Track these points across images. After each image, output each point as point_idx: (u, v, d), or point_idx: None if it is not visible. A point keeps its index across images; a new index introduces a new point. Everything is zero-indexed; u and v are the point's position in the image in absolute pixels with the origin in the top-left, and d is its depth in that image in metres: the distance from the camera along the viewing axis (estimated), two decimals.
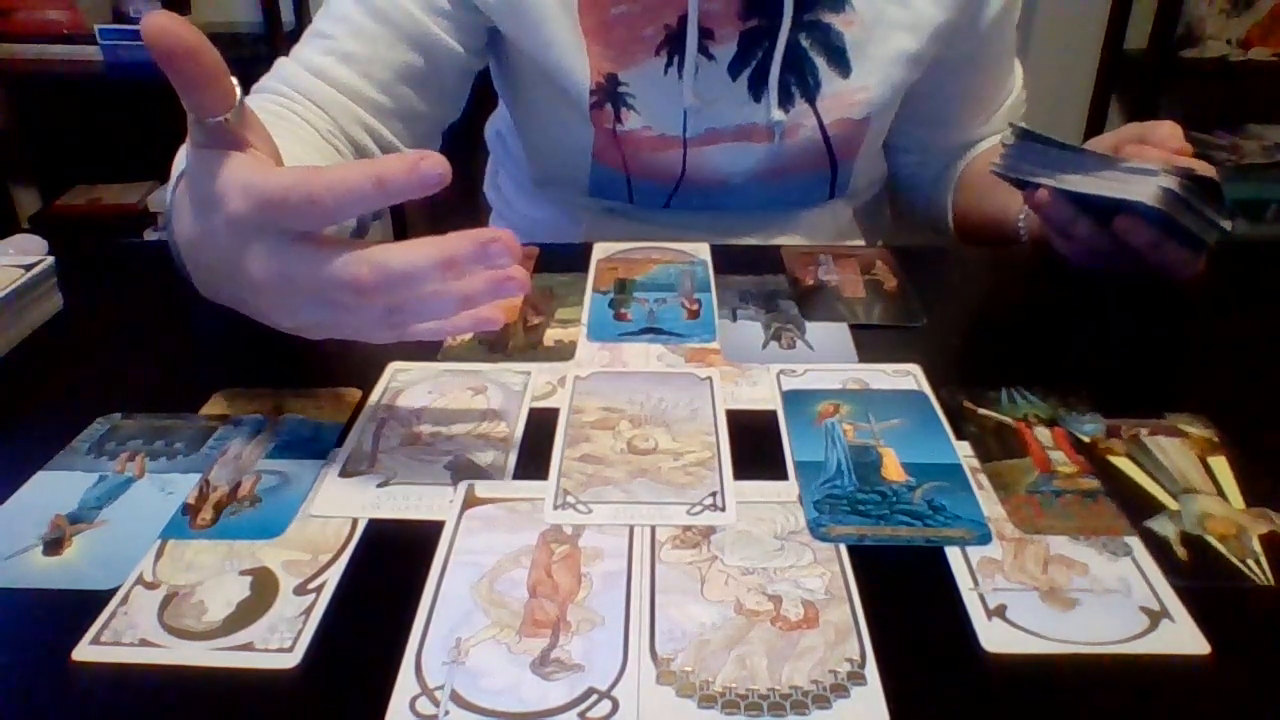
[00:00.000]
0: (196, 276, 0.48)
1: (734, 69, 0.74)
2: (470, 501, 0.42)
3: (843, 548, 0.39)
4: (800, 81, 0.75)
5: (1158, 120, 0.63)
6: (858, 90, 0.75)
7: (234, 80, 0.40)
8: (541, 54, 0.74)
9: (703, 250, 0.70)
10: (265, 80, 0.73)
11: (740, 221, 0.83)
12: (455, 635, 0.35)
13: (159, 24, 0.36)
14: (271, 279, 0.40)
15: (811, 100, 0.75)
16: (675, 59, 0.73)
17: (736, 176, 0.79)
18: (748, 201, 0.81)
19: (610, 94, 0.75)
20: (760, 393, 0.51)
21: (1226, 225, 0.57)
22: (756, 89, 0.75)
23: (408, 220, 2.14)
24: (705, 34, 0.73)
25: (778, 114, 0.74)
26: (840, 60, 0.74)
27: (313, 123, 0.69)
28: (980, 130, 0.87)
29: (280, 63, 0.73)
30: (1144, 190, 0.56)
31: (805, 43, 0.74)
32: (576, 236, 0.84)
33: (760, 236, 0.83)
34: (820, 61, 0.74)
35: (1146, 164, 0.57)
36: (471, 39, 0.75)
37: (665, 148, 0.77)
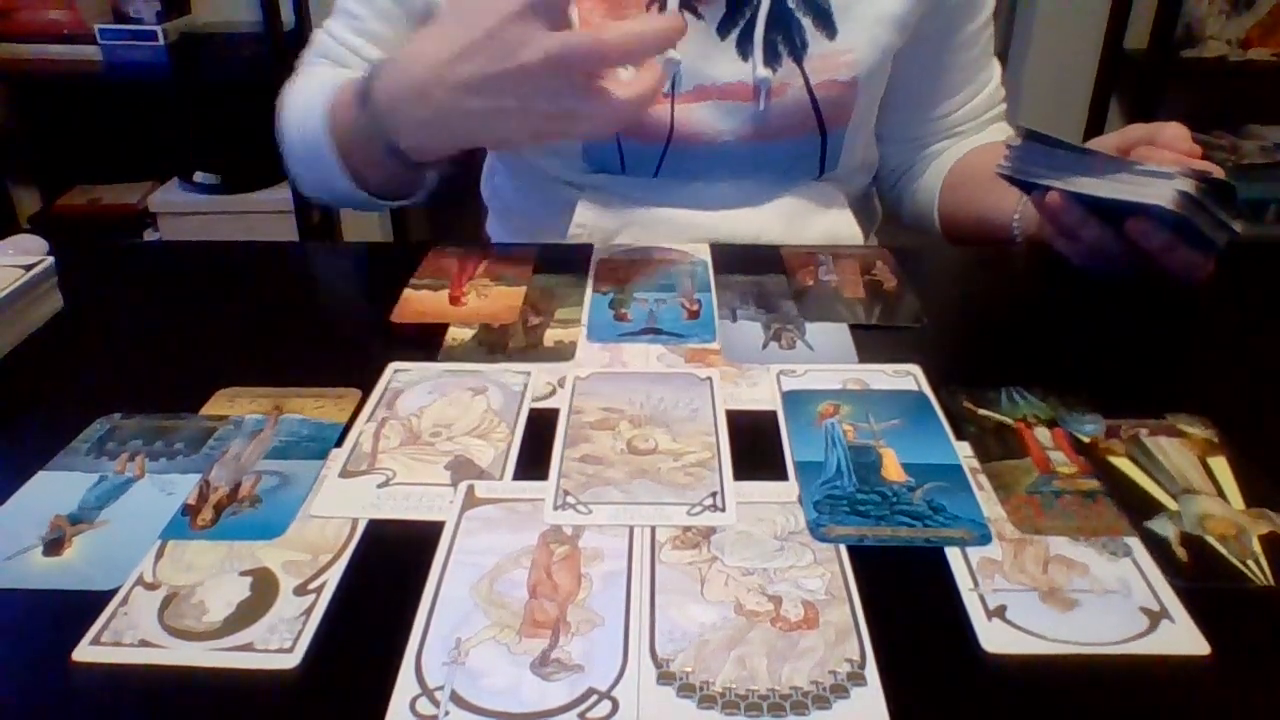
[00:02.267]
0: (432, 103, 0.60)
1: (722, 28, 0.76)
2: (470, 501, 0.42)
3: (843, 548, 0.39)
4: (787, 40, 0.76)
5: (1164, 121, 0.63)
6: (844, 52, 0.76)
7: None
8: None
9: (703, 250, 0.70)
10: (311, 51, 0.80)
11: (731, 204, 0.83)
12: (455, 635, 0.35)
13: None
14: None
15: (799, 60, 0.76)
16: None
17: (725, 136, 0.79)
18: (738, 168, 0.81)
19: None
20: (760, 393, 0.51)
21: (1237, 227, 0.57)
22: (744, 48, 0.76)
23: (408, 219, 2.15)
24: None
25: (763, 71, 0.75)
26: (826, 21, 0.76)
27: None
28: (953, 118, 0.87)
29: (318, 36, 0.80)
30: (1160, 193, 0.56)
31: (791, 3, 0.76)
32: (568, 220, 0.83)
33: (751, 216, 0.83)
34: (806, 22, 0.76)
35: (1162, 167, 0.57)
36: None
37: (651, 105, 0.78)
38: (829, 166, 0.83)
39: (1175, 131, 0.61)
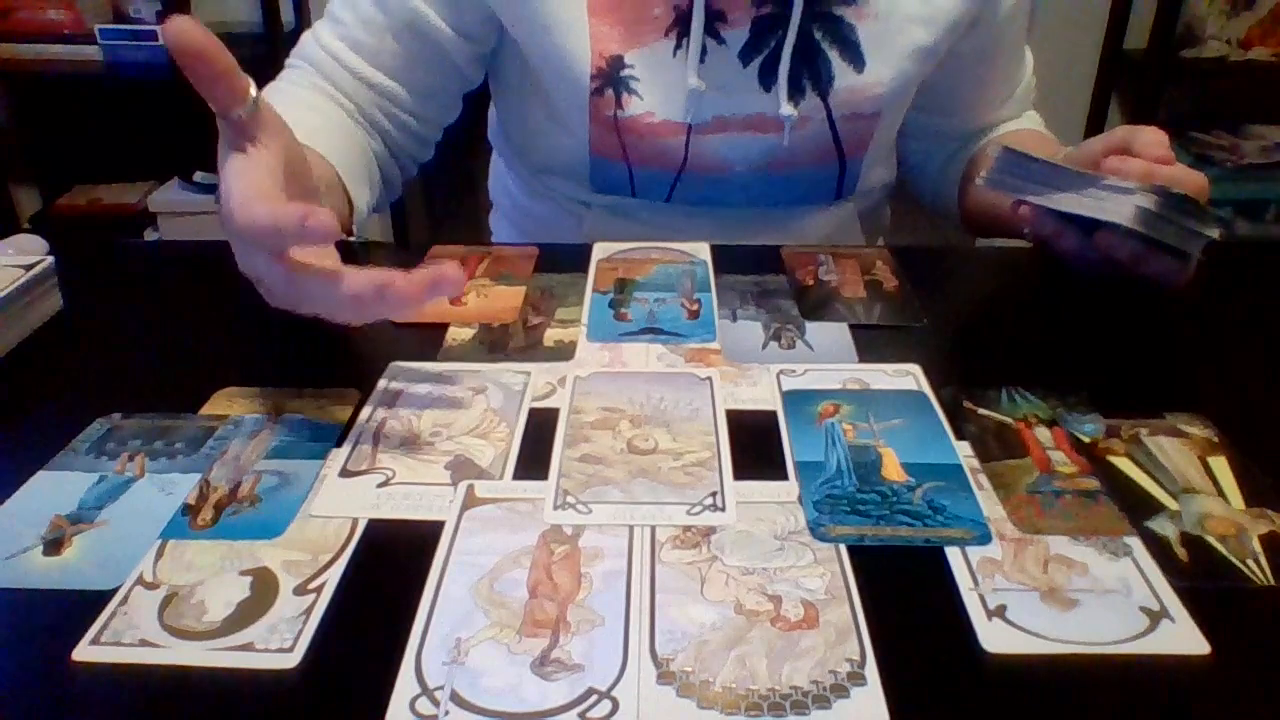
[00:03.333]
0: None
1: (745, 56, 0.73)
2: (470, 501, 0.42)
3: (843, 548, 0.39)
4: (812, 74, 0.74)
5: (1143, 126, 0.63)
6: (872, 85, 0.74)
7: (249, 80, 0.45)
8: (539, 40, 0.73)
9: (703, 250, 0.70)
10: (295, 54, 0.78)
11: (743, 223, 0.82)
12: (455, 635, 0.35)
13: (176, 27, 0.42)
14: (252, 274, 0.48)
15: (824, 95, 0.74)
16: (684, 41, 0.72)
17: (740, 165, 0.77)
18: (752, 196, 0.80)
19: (612, 79, 0.74)
20: (760, 393, 0.51)
21: (1213, 234, 0.57)
22: (766, 79, 0.74)
23: (408, 220, 2.15)
24: (717, 16, 0.72)
25: (787, 108, 0.73)
26: (854, 54, 0.73)
27: (340, 103, 0.74)
28: (990, 116, 0.87)
29: (305, 39, 0.78)
30: (1120, 210, 0.57)
31: (818, 34, 0.73)
32: (578, 234, 0.83)
33: (763, 238, 0.82)
34: (833, 54, 0.73)
35: (1124, 182, 0.57)
36: (472, 26, 0.75)
37: (668, 134, 0.76)
38: (846, 192, 0.83)
39: (1150, 137, 0.61)
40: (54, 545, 0.40)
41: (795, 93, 0.74)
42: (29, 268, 0.58)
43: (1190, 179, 0.58)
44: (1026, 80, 0.87)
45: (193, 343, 0.58)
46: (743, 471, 0.44)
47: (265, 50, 1.85)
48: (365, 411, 0.49)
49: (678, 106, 0.74)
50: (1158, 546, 0.40)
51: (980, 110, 0.86)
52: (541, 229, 0.89)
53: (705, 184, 0.79)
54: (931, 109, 0.85)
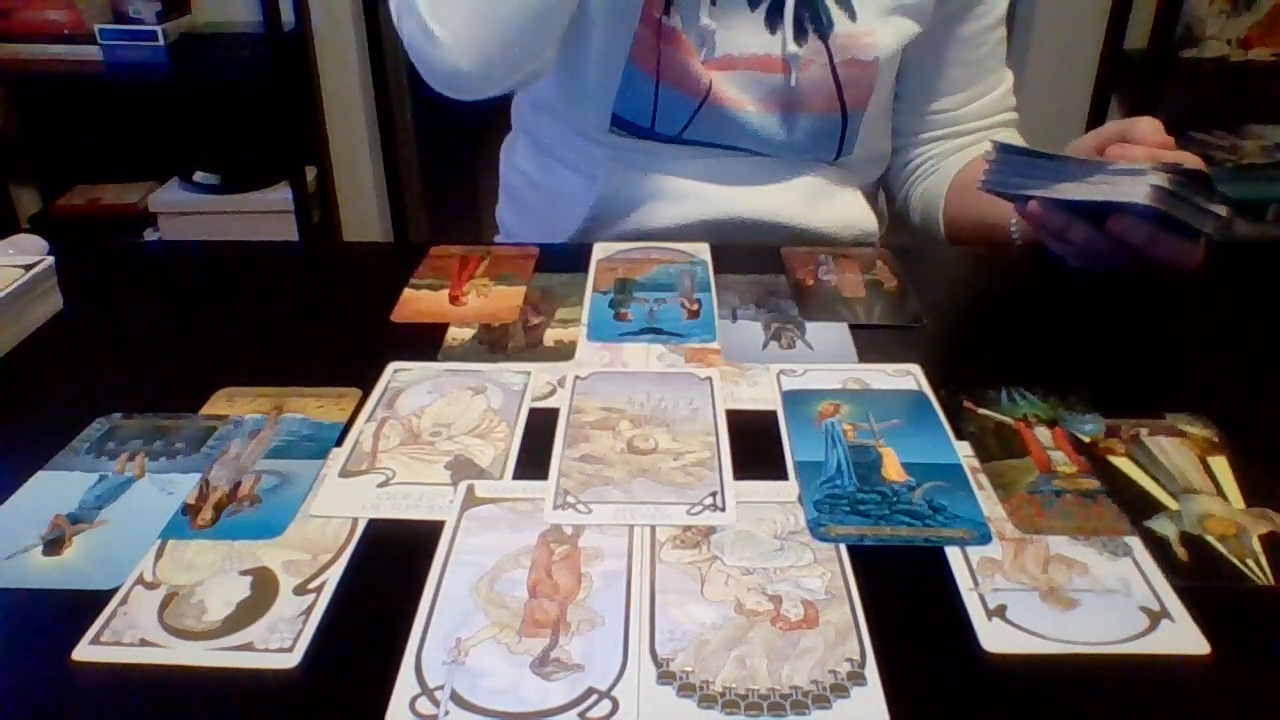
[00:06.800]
0: None
1: (753, 2, 0.79)
2: (470, 501, 0.42)
3: (843, 548, 0.39)
4: (814, 19, 0.79)
5: (1138, 117, 0.63)
6: (864, 34, 0.79)
7: None
8: None
9: (703, 250, 0.70)
10: None
11: (752, 171, 0.84)
12: (455, 635, 0.35)
13: None
14: None
15: (824, 38, 0.79)
16: None
17: (752, 105, 0.81)
18: (761, 142, 0.83)
19: None
20: (760, 393, 0.51)
21: (1222, 212, 0.57)
22: (773, 21, 0.79)
23: (408, 220, 2.15)
24: None
25: (793, 47, 0.78)
26: (846, 5, 0.79)
27: None
28: (953, 115, 0.88)
29: None
30: (1135, 190, 0.56)
31: None
32: (590, 194, 0.84)
33: (769, 190, 0.84)
34: (830, 2, 0.79)
35: (1134, 164, 0.57)
36: None
37: (694, 55, 0.80)
38: (846, 150, 0.85)
39: (1148, 126, 0.62)
40: (54, 545, 0.40)
41: (799, 34, 0.79)
42: (29, 268, 0.58)
43: (1192, 161, 0.58)
44: (1003, 90, 0.89)
45: (193, 343, 0.58)
46: (743, 471, 0.44)
47: (265, 50, 1.85)
48: (365, 411, 0.49)
49: (698, 38, 0.79)
50: (1158, 546, 0.40)
51: (947, 100, 0.88)
52: (553, 205, 0.89)
53: (722, 120, 0.81)
54: (897, 93, 0.87)
